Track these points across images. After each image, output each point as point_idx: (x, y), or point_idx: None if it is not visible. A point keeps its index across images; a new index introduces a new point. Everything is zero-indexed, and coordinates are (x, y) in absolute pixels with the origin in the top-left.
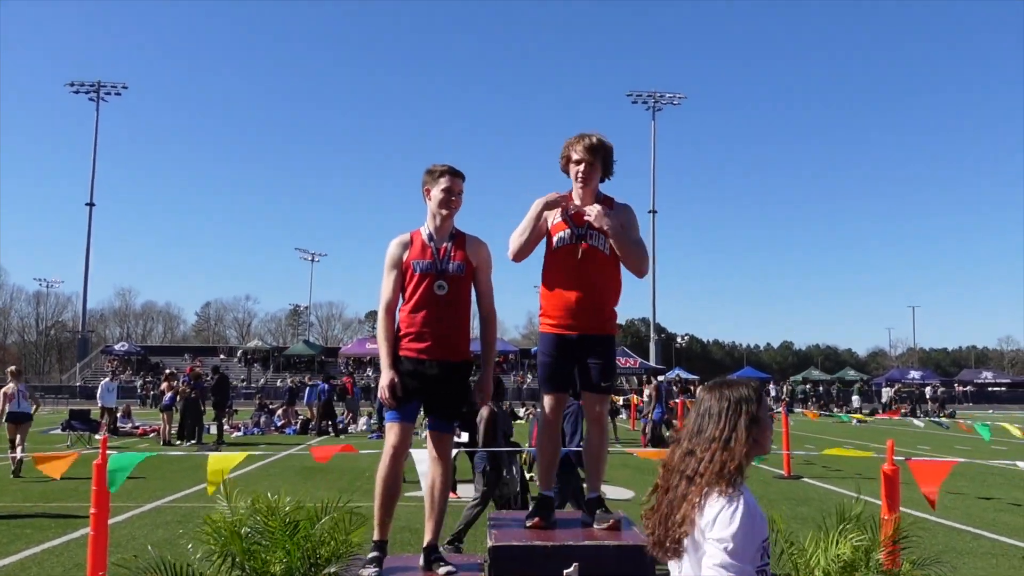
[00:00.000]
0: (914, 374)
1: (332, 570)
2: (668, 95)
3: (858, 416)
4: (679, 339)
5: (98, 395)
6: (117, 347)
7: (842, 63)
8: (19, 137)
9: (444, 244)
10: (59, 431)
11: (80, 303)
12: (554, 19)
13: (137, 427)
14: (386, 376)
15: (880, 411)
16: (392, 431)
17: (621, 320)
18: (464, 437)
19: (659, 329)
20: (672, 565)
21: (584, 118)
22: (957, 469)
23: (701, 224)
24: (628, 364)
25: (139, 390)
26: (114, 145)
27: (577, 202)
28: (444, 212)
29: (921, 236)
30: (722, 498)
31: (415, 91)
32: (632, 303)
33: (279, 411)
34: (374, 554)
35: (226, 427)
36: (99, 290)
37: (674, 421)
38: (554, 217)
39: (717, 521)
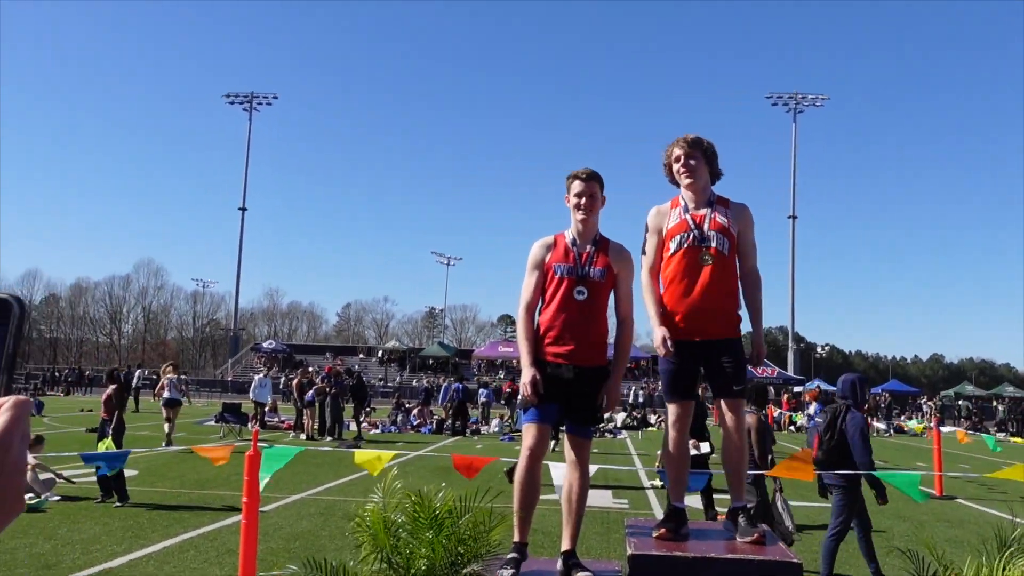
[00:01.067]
0: None
1: (473, 568)
2: (810, 96)
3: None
4: (819, 349)
5: (251, 390)
6: (265, 345)
7: (996, 59)
8: (180, 146)
9: (587, 249)
10: (212, 422)
11: (232, 302)
12: (692, 20)
13: (283, 421)
14: (528, 373)
15: None
16: (529, 433)
17: None
18: (705, 448)
19: (798, 338)
20: None
21: (723, 120)
22: None
23: (844, 229)
24: (765, 373)
25: (282, 386)
26: (265, 152)
27: (690, 204)
28: (580, 216)
29: None
30: None
31: (553, 96)
32: (770, 311)
33: (415, 410)
34: (513, 555)
35: (365, 424)
36: (249, 290)
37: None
38: (670, 220)
39: None
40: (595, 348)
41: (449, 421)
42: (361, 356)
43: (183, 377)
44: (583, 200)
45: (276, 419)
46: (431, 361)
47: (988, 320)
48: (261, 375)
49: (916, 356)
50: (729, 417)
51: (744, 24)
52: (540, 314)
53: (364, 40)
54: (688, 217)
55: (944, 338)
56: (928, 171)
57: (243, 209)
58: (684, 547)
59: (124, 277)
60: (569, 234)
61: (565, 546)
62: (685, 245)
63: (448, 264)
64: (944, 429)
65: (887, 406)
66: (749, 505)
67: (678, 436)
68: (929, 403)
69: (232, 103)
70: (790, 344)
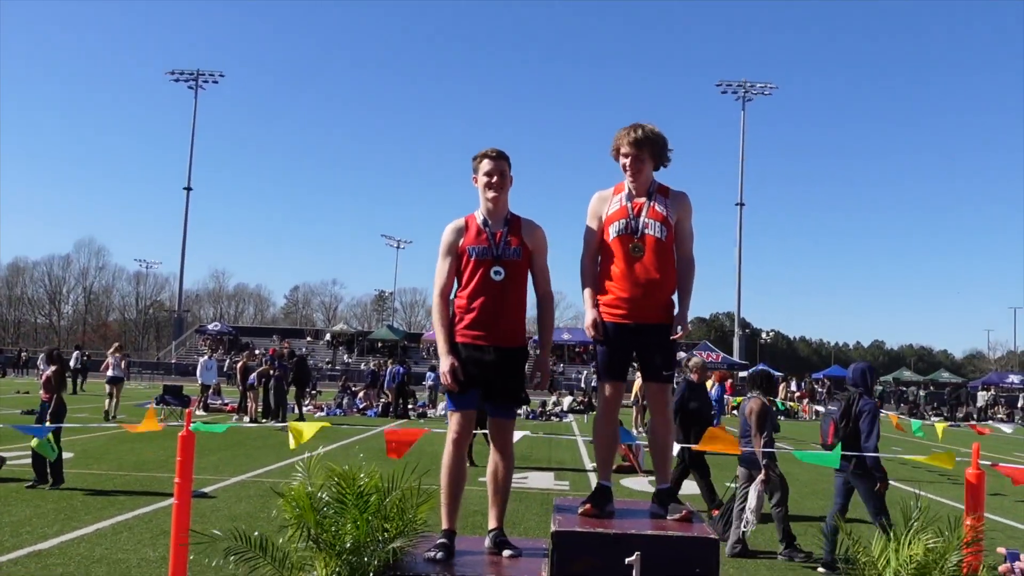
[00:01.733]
0: (1013, 378)
1: (398, 545)
2: (759, 85)
3: (941, 425)
4: (764, 335)
5: (197, 372)
6: (210, 327)
7: (940, 54)
8: (123, 124)
9: (499, 229)
10: (153, 405)
11: (177, 284)
12: (644, 7)
13: (226, 403)
14: (446, 362)
15: (975, 416)
16: (453, 419)
17: (705, 314)
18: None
19: (744, 324)
20: None
21: (673, 108)
22: None
23: (790, 218)
24: (710, 359)
25: (226, 368)
26: (211, 131)
27: (632, 192)
28: (491, 195)
29: None
30: None
31: (503, 81)
32: (716, 297)
33: (361, 393)
34: (441, 541)
35: (310, 407)
36: (195, 271)
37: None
38: (611, 206)
39: None
40: (515, 329)
41: (392, 405)
42: (308, 339)
43: (126, 358)
44: (494, 178)
45: (220, 401)
46: (380, 344)
47: (928, 308)
48: (206, 357)
49: (858, 342)
50: (657, 401)
51: (696, 13)
52: (457, 297)
53: (313, 19)
54: (628, 205)
55: (886, 325)
56: (872, 161)
57: (188, 189)
58: (607, 524)
59: (64, 257)
60: (480, 215)
61: (492, 524)
62: (622, 232)
63: (398, 247)
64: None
65: (827, 391)
66: (777, 508)
67: (608, 416)
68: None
69: (177, 80)
70: (736, 329)
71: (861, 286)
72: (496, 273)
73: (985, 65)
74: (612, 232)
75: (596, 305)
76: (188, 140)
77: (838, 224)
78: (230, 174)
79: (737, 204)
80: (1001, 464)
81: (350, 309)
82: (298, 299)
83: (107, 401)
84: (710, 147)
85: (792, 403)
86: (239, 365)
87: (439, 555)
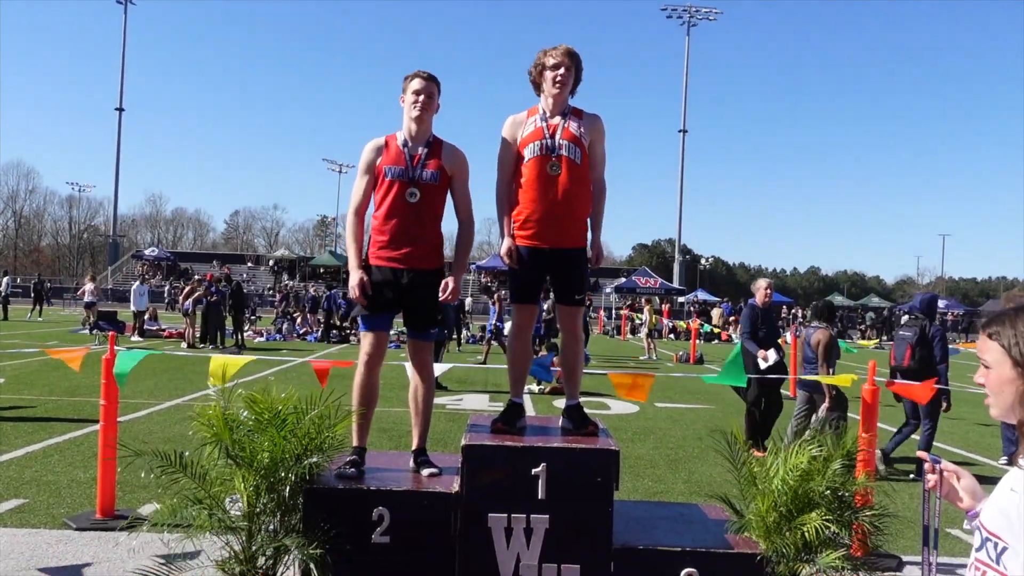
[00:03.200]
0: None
1: (314, 460)
2: (704, 10)
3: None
4: (704, 260)
5: (131, 300)
6: (147, 252)
7: None
8: (51, 41)
9: (419, 151)
10: (86, 331)
11: (112, 208)
12: None
13: (163, 329)
14: (355, 276)
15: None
16: (366, 339)
17: (646, 240)
18: (772, 358)
19: (684, 250)
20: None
21: (618, 32)
22: (960, 396)
23: (732, 145)
24: (648, 284)
25: (166, 295)
26: (145, 50)
27: (547, 111)
28: (415, 114)
29: (954, 164)
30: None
31: (445, 8)
32: (657, 223)
33: (300, 319)
34: (352, 458)
35: (249, 332)
36: (131, 196)
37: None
38: (525, 128)
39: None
40: (429, 251)
41: (335, 329)
42: (249, 264)
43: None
44: (421, 97)
45: (157, 327)
46: (322, 270)
47: (863, 236)
48: (137, 283)
49: (795, 268)
50: (569, 323)
51: None
52: (373, 218)
53: None
54: (544, 125)
55: (822, 252)
56: (812, 90)
57: (120, 110)
58: (515, 438)
59: None
60: (401, 135)
61: (415, 444)
62: (538, 153)
63: (340, 172)
64: None
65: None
66: (833, 417)
67: (522, 337)
68: (803, 313)
69: None
70: (676, 255)
71: (799, 213)
72: (411, 195)
73: None
74: (528, 154)
75: (512, 233)
76: (119, 59)
77: (778, 152)
78: (167, 95)
79: (680, 131)
80: (897, 382)
81: (292, 235)
82: (239, 224)
83: (88, 320)
84: (654, 72)
85: (718, 328)
86: (185, 291)
87: (348, 470)
